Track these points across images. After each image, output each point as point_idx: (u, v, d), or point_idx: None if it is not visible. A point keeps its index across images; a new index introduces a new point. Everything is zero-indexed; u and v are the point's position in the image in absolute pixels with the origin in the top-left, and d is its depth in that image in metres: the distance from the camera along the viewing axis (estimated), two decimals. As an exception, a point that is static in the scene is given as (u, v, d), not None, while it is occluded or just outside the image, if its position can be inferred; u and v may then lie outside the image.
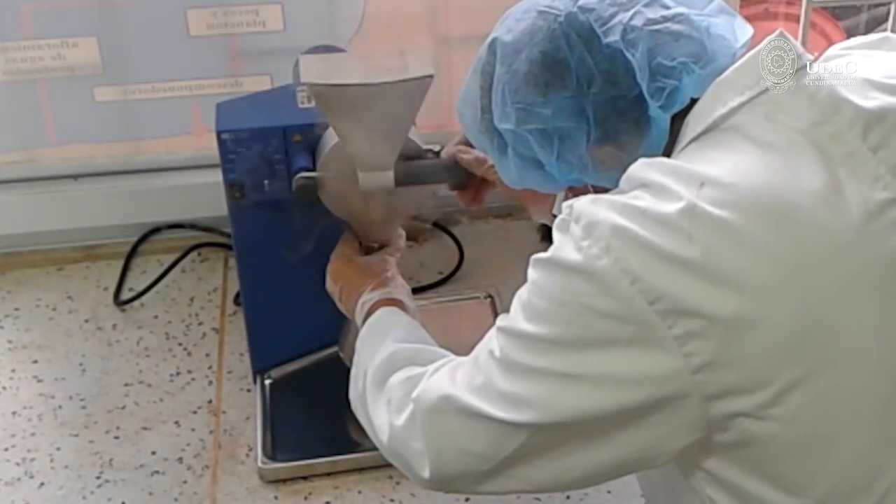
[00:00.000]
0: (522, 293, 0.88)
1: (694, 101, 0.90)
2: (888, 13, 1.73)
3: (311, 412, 1.44)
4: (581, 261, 0.82)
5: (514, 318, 0.88)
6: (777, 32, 0.90)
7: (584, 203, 0.85)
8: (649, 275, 0.80)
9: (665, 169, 0.85)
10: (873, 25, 1.95)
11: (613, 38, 0.91)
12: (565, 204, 0.86)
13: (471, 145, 1.11)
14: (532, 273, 0.88)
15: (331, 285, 1.27)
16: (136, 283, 1.72)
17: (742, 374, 0.80)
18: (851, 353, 0.81)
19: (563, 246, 0.85)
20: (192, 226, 1.79)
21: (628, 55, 0.90)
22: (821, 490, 0.84)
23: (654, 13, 0.91)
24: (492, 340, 0.91)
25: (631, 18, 0.91)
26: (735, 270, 0.79)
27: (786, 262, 0.80)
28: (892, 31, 1.66)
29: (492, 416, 0.88)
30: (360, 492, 1.32)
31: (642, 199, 0.83)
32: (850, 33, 1.05)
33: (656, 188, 0.83)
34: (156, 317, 1.65)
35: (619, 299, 0.81)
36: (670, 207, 0.81)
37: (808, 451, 0.83)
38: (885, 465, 0.84)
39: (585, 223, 0.83)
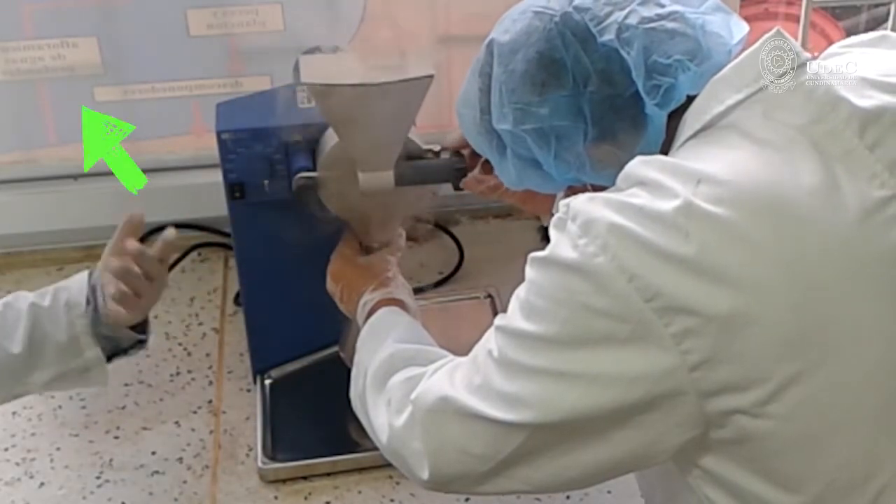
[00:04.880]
0: (520, 292, 0.88)
1: (691, 99, 0.90)
2: (888, 13, 1.73)
3: (311, 412, 1.44)
4: (578, 259, 0.82)
5: (512, 317, 0.88)
6: (774, 31, 0.90)
7: (580, 201, 0.85)
8: (646, 272, 0.80)
9: (662, 166, 0.85)
10: (873, 25, 1.95)
11: (608, 36, 0.91)
12: (562, 202, 0.87)
13: (467, 145, 1.11)
14: (529, 272, 0.88)
15: (331, 285, 1.27)
16: (136, 283, 1.72)
17: (739, 371, 0.80)
18: (848, 349, 0.81)
19: (560, 244, 0.85)
20: (192, 226, 1.79)
21: (623, 53, 0.90)
22: (817, 487, 0.84)
23: (649, 11, 0.92)
24: (490, 340, 0.91)
25: (626, 17, 0.91)
26: (732, 268, 0.79)
27: (783, 260, 0.80)
28: (892, 30, 1.66)
29: (490, 416, 0.88)
30: (360, 492, 1.32)
31: (639, 197, 0.83)
32: (850, 33, 1.05)
33: (653, 186, 0.83)
34: (155, 317, 1.63)
35: (616, 297, 0.81)
36: (667, 205, 0.81)
37: (804, 448, 0.83)
38: (881, 461, 0.84)
39: (582, 221, 0.83)
